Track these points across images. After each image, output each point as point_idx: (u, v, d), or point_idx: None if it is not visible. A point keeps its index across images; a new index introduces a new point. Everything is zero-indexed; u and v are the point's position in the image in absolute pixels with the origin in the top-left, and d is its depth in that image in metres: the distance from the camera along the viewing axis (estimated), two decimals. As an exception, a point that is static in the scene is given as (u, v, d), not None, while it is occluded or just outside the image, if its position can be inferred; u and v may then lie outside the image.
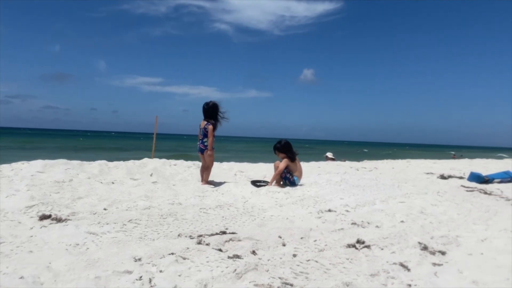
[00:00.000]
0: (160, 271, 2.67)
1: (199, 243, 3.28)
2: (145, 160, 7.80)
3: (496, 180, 8.30)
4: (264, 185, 6.32)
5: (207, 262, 2.83)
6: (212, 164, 6.65)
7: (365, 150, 64.30)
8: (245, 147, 57.22)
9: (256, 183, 6.44)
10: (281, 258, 3.06)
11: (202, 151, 6.57)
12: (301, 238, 3.62)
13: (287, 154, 6.43)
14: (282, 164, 6.33)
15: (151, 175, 6.73)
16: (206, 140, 6.52)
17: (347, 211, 4.82)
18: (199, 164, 7.99)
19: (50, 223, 3.70)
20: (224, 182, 6.54)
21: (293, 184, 6.30)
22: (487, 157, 20.29)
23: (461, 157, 24.52)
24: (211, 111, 6.55)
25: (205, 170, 6.58)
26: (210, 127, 6.45)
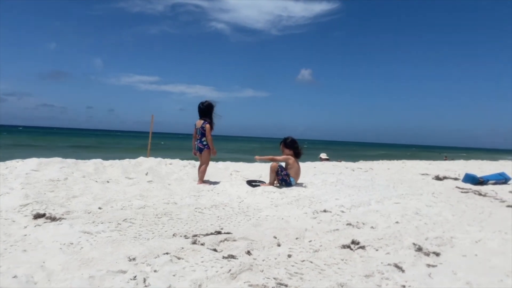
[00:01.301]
0: (155, 271, 2.66)
1: (194, 243, 3.27)
2: (141, 159, 7.78)
3: (490, 182, 8.34)
4: (259, 185, 6.34)
5: (202, 262, 2.83)
6: (208, 164, 6.67)
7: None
8: (240, 147, 57.20)
9: (251, 183, 6.45)
10: (276, 259, 3.06)
11: (201, 150, 6.60)
12: (296, 238, 3.62)
13: (294, 150, 6.49)
14: (284, 156, 6.39)
15: (146, 174, 6.71)
16: (204, 139, 6.56)
17: (342, 211, 4.82)
18: (194, 163, 7.98)
19: (44, 222, 3.68)
20: (220, 182, 6.54)
21: (289, 185, 6.30)
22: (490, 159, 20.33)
23: (452, 159, 24.66)
24: (207, 110, 6.62)
25: (201, 170, 6.60)
26: (207, 126, 6.52)
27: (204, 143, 6.58)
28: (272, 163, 6.33)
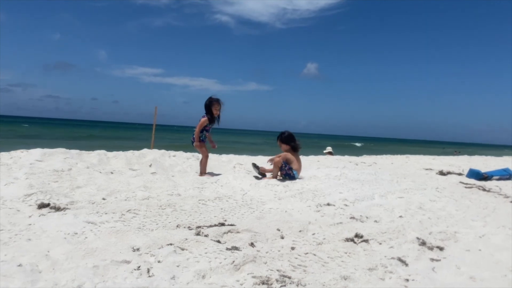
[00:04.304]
0: (159, 262, 2.67)
1: (198, 234, 3.28)
2: (144, 150, 7.80)
3: (494, 177, 8.31)
4: (262, 178, 6.34)
5: (206, 253, 2.84)
6: (206, 156, 6.68)
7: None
8: (244, 140, 57.21)
9: (256, 166, 6.48)
10: (279, 251, 3.07)
11: (192, 142, 6.77)
12: (300, 231, 3.62)
13: (291, 144, 6.47)
14: (282, 155, 6.36)
15: (150, 165, 6.73)
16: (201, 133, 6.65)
17: (346, 205, 4.82)
18: (198, 156, 8.00)
19: (49, 212, 3.69)
20: (223, 174, 6.54)
21: (292, 178, 6.30)
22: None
23: (457, 153, 24.61)
24: (206, 105, 6.67)
25: (202, 163, 6.65)
26: (202, 119, 6.57)
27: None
28: (276, 158, 6.33)
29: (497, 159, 16.02)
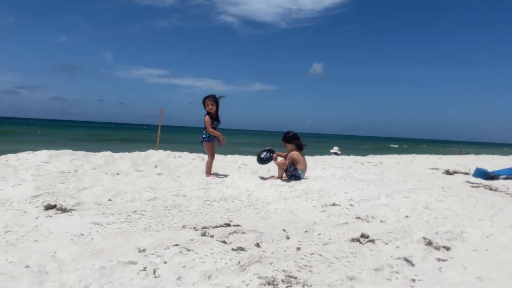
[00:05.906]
0: (165, 262, 2.68)
1: (203, 235, 3.29)
2: (150, 151, 7.83)
3: (501, 177, 8.25)
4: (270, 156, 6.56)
5: (211, 254, 2.84)
6: (212, 157, 6.67)
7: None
8: (249, 140, 57.23)
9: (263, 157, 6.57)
10: (285, 251, 3.06)
11: (201, 142, 6.74)
12: (305, 231, 3.62)
13: (296, 143, 6.48)
14: (288, 156, 6.37)
15: (155, 166, 6.75)
16: (204, 132, 6.65)
17: (352, 205, 4.80)
18: (203, 156, 8.02)
19: (55, 213, 3.72)
20: (229, 175, 6.55)
21: (297, 178, 6.30)
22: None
23: (463, 153, 24.49)
24: (203, 103, 6.67)
25: (206, 163, 6.66)
26: (205, 118, 6.58)
27: (203, 136, 6.65)
28: (281, 160, 6.36)
29: (503, 158, 15.92)
